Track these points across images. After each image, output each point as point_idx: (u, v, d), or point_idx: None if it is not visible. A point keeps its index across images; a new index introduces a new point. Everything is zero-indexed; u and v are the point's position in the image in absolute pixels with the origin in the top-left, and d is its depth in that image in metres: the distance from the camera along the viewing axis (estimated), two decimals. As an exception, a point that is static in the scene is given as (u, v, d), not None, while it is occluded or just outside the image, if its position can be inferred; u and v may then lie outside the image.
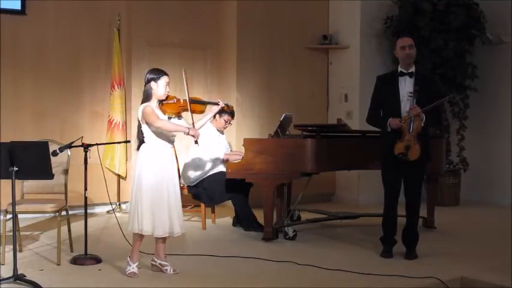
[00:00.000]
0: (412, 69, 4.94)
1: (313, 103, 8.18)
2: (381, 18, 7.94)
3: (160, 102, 4.44)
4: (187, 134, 4.36)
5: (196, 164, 6.17)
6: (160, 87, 4.40)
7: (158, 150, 4.39)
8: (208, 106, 4.69)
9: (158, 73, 4.42)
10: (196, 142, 4.41)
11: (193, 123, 4.44)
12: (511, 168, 7.79)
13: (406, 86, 4.89)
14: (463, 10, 7.55)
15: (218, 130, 6.34)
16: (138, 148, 4.48)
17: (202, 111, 4.64)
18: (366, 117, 5.15)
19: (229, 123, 6.39)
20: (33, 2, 6.75)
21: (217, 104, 4.64)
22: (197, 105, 4.57)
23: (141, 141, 4.45)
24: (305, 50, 8.15)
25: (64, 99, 6.96)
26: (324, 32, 8.23)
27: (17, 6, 6.70)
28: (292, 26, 8.01)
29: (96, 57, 7.11)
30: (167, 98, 4.45)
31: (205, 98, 7.55)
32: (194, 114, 4.50)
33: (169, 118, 4.44)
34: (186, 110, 4.46)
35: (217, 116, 6.25)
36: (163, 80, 4.40)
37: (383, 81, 5.08)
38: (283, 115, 6.00)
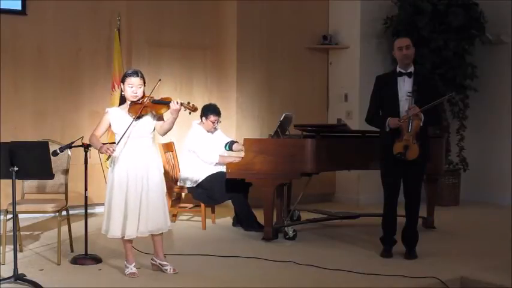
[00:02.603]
0: (411, 69, 4.94)
1: (313, 103, 8.18)
2: (381, 18, 7.93)
3: (132, 102, 4.38)
4: (100, 152, 4.30)
5: (192, 167, 6.17)
6: (125, 89, 4.37)
7: (121, 150, 4.34)
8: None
9: (126, 74, 4.37)
10: (107, 159, 4.31)
11: (117, 141, 4.30)
12: (511, 168, 7.79)
13: (405, 86, 4.89)
14: (463, 10, 7.54)
15: (209, 131, 6.31)
16: None
17: (164, 112, 4.40)
18: (365, 117, 5.16)
19: (218, 122, 6.28)
20: (33, 2, 6.75)
21: (169, 102, 4.31)
22: (158, 105, 4.36)
23: None
24: (305, 50, 8.15)
25: (64, 99, 6.95)
26: (324, 32, 8.22)
27: (17, 6, 6.69)
28: (292, 26, 8.00)
29: (96, 57, 7.11)
30: (142, 97, 4.37)
31: (205, 98, 7.64)
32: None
33: (138, 118, 4.32)
34: (147, 111, 4.34)
35: (204, 118, 6.22)
36: (128, 81, 4.34)
37: (382, 81, 5.09)
38: (283, 115, 5.99)
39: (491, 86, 7.99)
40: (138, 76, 4.36)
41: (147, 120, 4.39)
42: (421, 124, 4.80)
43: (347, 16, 8.08)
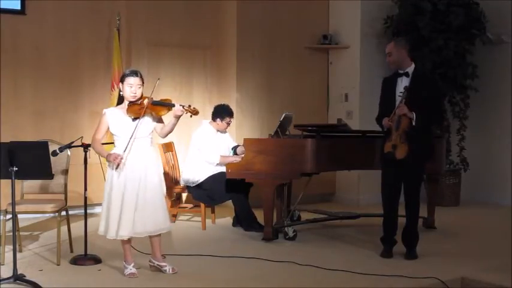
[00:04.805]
0: (409, 69, 4.94)
1: (313, 103, 8.18)
2: (381, 18, 7.92)
3: (130, 102, 4.38)
4: (107, 161, 4.30)
5: (194, 166, 6.17)
6: (124, 89, 4.37)
7: (126, 155, 4.31)
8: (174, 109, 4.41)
9: (125, 74, 4.39)
10: (116, 168, 4.29)
11: (126, 148, 4.27)
12: (511, 168, 7.78)
13: (402, 86, 4.90)
14: (463, 10, 7.53)
15: (219, 131, 6.32)
16: None
17: (164, 114, 4.41)
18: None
19: (230, 122, 6.37)
20: (33, 2, 6.75)
21: (173, 106, 4.36)
22: (159, 107, 4.36)
23: None
24: (305, 50, 8.14)
25: (64, 99, 6.95)
26: (324, 32, 8.22)
27: (17, 6, 6.69)
28: (292, 25, 8.00)
29: (96, 57, 7.10)
30: (141, 97, 4.38)
31: (205, 98, 7.65)
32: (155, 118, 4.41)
33: (134, 119, 4.33)
34: (147, 112, 4.33)
35: (219, 119, 6.26)
36: (127, 81, 4.34)
37: (386, 81, 5.12)
38: (283, 115, 5.99)
39: (492, 85, 7.99)
40: (137, 76, 4.37)
41: (146, 121, 4.39)
42: (413, 123, 4.78)
43: (347, 16, 8.08)
